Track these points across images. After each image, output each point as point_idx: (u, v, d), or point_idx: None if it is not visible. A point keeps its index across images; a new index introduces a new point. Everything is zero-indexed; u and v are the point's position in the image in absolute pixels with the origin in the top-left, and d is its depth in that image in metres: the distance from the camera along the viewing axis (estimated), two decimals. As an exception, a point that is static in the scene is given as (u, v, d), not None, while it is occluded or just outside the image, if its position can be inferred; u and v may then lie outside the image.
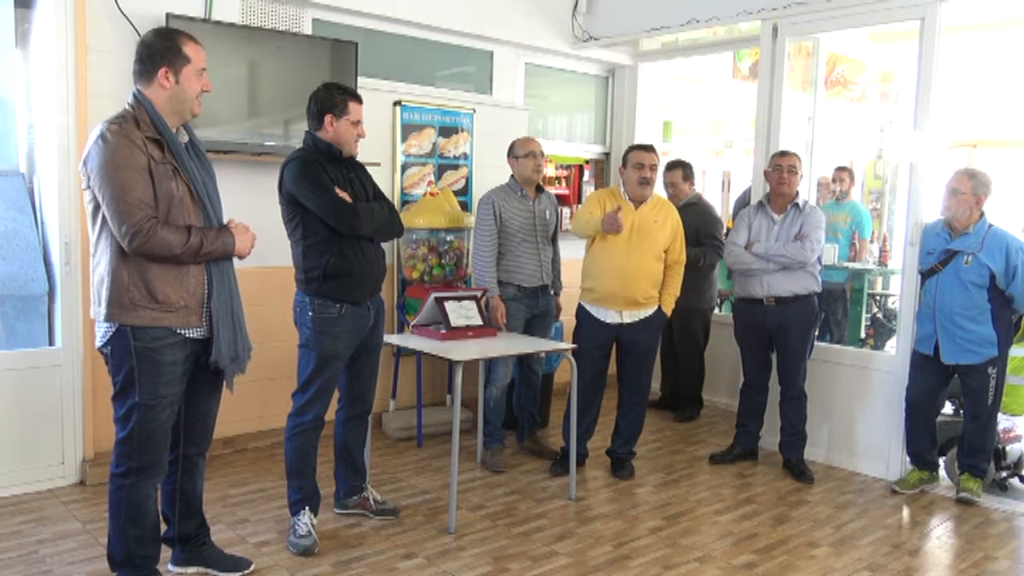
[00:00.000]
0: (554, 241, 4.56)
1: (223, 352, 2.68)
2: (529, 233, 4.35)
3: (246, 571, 3.07)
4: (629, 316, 4.12)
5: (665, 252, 4.14)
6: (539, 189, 4.48)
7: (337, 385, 3.43)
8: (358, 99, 3.31)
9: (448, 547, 3.36)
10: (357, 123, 3.28)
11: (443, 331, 3.80)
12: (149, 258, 2.54)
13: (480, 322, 3.95)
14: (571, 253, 5.69)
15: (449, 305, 3.89)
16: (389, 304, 4.98)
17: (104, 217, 2.54)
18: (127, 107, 2.61)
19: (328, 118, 3.22)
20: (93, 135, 2.54)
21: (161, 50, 2.60)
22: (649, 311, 4.13)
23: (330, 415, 3.42)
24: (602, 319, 4.15)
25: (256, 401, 4.50)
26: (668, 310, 4.19)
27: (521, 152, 4.35)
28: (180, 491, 2.91)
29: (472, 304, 3.98)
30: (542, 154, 4.39)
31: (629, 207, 4.10)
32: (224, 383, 2.83)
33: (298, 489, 3.35)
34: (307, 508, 3.32)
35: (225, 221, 2.75)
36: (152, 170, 2.53)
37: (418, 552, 3.30)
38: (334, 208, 3.16)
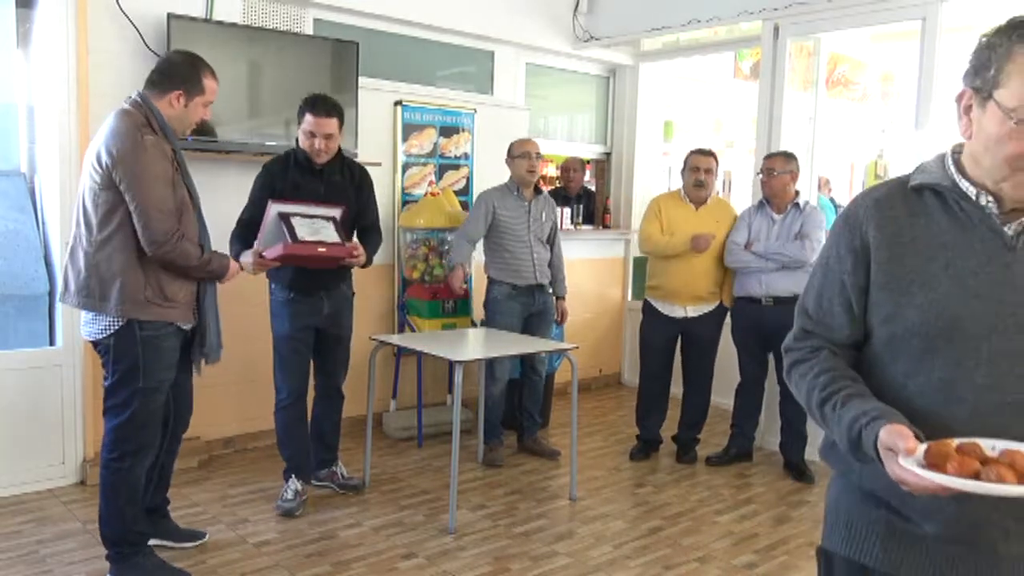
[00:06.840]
0: (553, 244, 4.59)
1: (211, 341, 2.97)
2: (523, 233, 4.40)
3: (201, 540, 3.27)
4: (694, 311, 4.43)
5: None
6: (537, 191, 4.51)
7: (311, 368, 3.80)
8: (316, 112, 3.46)
9: (448, 547, 3.37)
10: (312, 135, 3.48)
11: (288, 244, 3.23)
12: (164, 265, 2.76)
13: (337, 239, 3.40)
14: (575, 253, 5.70)
15: (296, 220, 3.33)
16: (390, 305, 4.98)
17: (121, 218, 2.70)
18: (139, 110, 2.73)
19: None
20: (125, 135, 2.65)
21: (184, 74, 2.80)
22: (712, 305, 4.45)
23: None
24: (668, 314, 4.45)
25: (256, 401, 4.50)
26: (729, 303, 4.48)
27: (516, 152, 4.40)
28: (160, 465, 3.10)
29: (329, 224, 3.43)
30: (538, 155, 4.42)
31: (690, 208, 4.40)
32: (192, 365, 3.05)
33: (287, 458, 3.69)
34: (294, 476, 3.65)
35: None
36: (174, 181, 2.76)
37: (418, 552, 3.30)
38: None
